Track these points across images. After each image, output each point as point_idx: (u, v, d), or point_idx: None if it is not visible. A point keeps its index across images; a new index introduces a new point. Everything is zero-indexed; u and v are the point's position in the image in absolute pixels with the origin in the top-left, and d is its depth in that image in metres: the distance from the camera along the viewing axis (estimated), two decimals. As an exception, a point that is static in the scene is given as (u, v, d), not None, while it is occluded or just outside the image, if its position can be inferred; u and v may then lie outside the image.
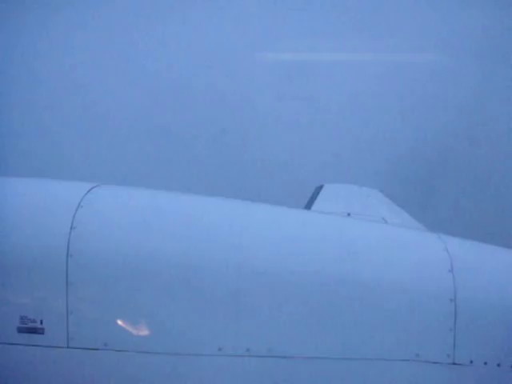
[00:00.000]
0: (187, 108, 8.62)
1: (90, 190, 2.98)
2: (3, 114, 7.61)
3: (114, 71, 8.73)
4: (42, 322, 2.76)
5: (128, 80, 8.63)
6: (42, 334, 2.76)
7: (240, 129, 8.49)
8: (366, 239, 3.17)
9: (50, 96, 8.54)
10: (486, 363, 2.88)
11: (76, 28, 8.46)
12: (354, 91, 8.74)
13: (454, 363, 2.87)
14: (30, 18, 8.11)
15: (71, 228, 2.80)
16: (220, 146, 8.51)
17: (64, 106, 8.56)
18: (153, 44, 8.63)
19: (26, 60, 8.20)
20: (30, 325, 2.75)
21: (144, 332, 2.81)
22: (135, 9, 8.51)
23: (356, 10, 8.45)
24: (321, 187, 6.05)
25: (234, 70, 8.58)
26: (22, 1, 8.14)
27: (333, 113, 8.74)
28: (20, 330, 2.76)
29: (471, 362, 2.88)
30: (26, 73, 8.16)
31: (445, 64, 8.50)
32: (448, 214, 7.77)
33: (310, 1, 8.43)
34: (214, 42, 8.53)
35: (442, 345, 2.87)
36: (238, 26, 8.48)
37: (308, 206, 5.39)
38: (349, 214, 4.52)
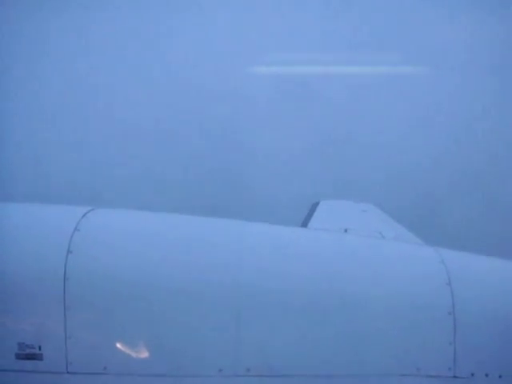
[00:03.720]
0: (183, 125, 8.64)
1: (86, 213, 2.99)
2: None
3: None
4: (40, 348, 2.74)
5: (119, 102, 8.66)
6: (41, 359, 2.74)
7: (236, 145, 8.52)
8: (363, 255, 3.18)
9: (47, 111, 8.55)
10: (487, 375, 2.87)
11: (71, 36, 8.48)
12: (354, 106, 8.80)
13: (455, 376, 2.86)
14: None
15: (68, 252, 2.80)
16: (216, 163, 8.52)
17: (60, 126, 8.57)
18: (151, 60, 8.67)
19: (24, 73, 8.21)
20: (29, 351, 2.73)
21: (143, 355, 2.79)
22: (129, 26, 8.56)
23: (354, 24, 8.53)
24: (317, 204, 6.06)
25: (231, 85, 8.62)
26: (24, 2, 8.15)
27: (332, 128, 8.77)
28: (18, 357, 2.74)
29: (472, 374, 2.87)
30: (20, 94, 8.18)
31: (446, 78, 8.57)
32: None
33: (307, 15, 8.50)
34: (210, 57, 8.57)
35: (442, 358, 2.87)
36: (234, 40, 8.53)
37: (305, 223, 5.39)
38: (346, 230, 4.52)
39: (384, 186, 8.23)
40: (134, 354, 2.79)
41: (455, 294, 2.93)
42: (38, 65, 8.51)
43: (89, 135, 8.65)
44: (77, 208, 3.06)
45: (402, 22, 8.51)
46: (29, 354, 2.74)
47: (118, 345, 2.78)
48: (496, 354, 2.91)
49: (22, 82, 8.25)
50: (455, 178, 8.38)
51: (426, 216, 7.90)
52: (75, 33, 8.39)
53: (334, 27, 8.52)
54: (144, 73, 8.68)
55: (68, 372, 2.75)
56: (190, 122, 8.67)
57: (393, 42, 8.62)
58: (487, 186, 8.26)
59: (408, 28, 8.55)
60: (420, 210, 7.95)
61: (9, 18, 7.88)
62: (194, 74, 8.59)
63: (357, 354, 2.88)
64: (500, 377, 2.88)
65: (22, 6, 8.05)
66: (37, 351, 2.74)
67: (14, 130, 7.98)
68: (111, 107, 8.72)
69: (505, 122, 8.46)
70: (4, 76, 7.83)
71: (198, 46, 8.58)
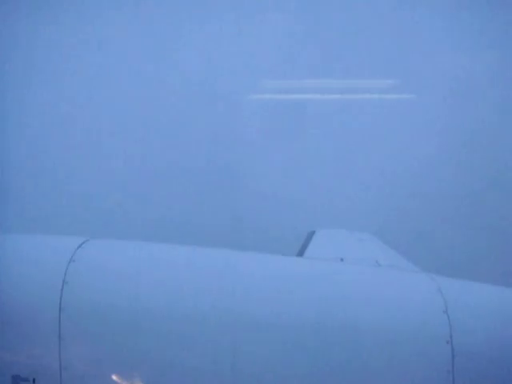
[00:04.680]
0: (179, 150, 8.63)
1: (82, 244, 2.99)
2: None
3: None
4: (34, 381, 2.71)
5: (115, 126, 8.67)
6: None
7: (231, 170, 8.53)
8: (359, 284, 3.18)
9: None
10: None
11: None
12: (349, 131, 8.84)
13: None
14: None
15: (63, 283, 2.79)
16: (209, 191, 8.52)
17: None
18: (145, 85, 8.69)
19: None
20: None
21: None
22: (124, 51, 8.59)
23: (350, 49, 8.64)
24: (313, 233, 6.05)
25: (228, 110, 8.65)
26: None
27: (327, 153, 8.80)
28: None
29: None
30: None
31: (437, 103, 8.65)
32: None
33: (301, 42, 8.59)
34: (206, 83, 8.61)
35: None
36: (229, 67, 8.59)
37: (300, 253, 5.38)
38: (342, 259, 4.52)
39: (376, 213, 8.25)
40: (128, 386, 2.76)
41: (452, 322, 2.92)
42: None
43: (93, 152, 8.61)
44: (72, 238, 3.06)
45: (396, 50, 8.63)
46: None
47: (114, 376, 2.76)
48: (494, 382, 2.89)
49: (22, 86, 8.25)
50: (447, 203, 8.41)
51: (419, 242, 7.89)
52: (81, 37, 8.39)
53: (328, 55, 8.63)
54: (138, 94, 8.69)
55: None
56: (181, 147, 8.67)
57: (387, 69, 8.74)
58: (480, 211, 8.29)
59: (403, 55, 8.67)
60: (412, 237, 7.95)
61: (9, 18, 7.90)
62: (189, 101, 8.64)
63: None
64: None
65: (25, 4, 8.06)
66: None
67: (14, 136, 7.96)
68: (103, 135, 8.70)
69: (498, 146, 8.54)
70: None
71: (193, 72, 8.64)
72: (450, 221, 8.33)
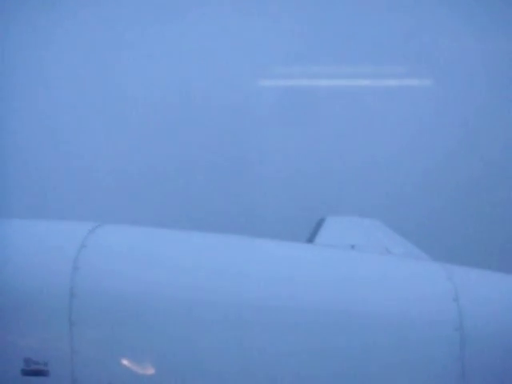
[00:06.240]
0: (186, 134, 8.60)
1: (93, 229, 3.00)
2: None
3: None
4: (46, 364, 2.74)
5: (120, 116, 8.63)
6: (47, 375, 2.74)
7: (240, 157, 8.50)
8: (370, 271, 3.18)
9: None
10: None
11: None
12: (359, 117, 8.77)
13: None
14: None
15: (74, 268, 2.81)
16: (219, 178, 8.50)
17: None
18: (150, 75, 8.66)
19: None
20: (35, 367, 2.73)
21: (149, 371, 2.79)
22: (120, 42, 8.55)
23: (358, 36, 8.54)
24: (323, 220, 6.05)
25: (235, 97, 8.59)
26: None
27: (338, 140, 8.74)
28: (25, 373, 2.74)
29: None
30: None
31: (447, 89, 8.56)
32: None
33: (311, 28, 8.51)
34: (213, 70, 8.56)
35: (449, 375, 2.85)
36: (238, 53, 8.53)
37: (310, 240, 5.38)
38: (352, 247, 4.52)
39: (386, 200, 8.21)
40: (139, 371, 2.78)
41: (462, 309, 2.92)
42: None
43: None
44: (83, 224, 3.07)
45: (406, 35, 8.53)
46: (35, 370, 2.74)
47: (124, 361, 2.78)
48: (504, 371, 2.89)
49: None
50: (457, 190, 8.35)
51: (429, 230, 7.85)
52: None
53: (339, 40, 8.55)
54: (145, 81, 8.65)
55: None
56: (190, 134, 8.64)
57: (397, 55, 8.65)
58: (489, 199, 8.24)
59: (412, 41, 8.57)
60: (423, 225, 7.91)
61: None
62: (196, 86, 8.59)
63: (364, 371, 2.87)
64: None
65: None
66: (43, 367, 2.74)
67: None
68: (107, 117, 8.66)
69: (507, 134, 8.45)
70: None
71: (201, 58, 8.58)
72: (462, 210, 8.28)
